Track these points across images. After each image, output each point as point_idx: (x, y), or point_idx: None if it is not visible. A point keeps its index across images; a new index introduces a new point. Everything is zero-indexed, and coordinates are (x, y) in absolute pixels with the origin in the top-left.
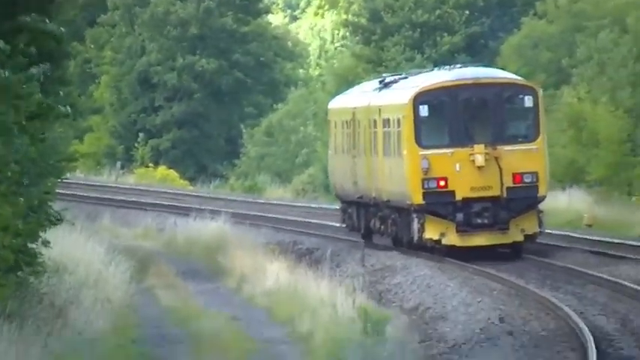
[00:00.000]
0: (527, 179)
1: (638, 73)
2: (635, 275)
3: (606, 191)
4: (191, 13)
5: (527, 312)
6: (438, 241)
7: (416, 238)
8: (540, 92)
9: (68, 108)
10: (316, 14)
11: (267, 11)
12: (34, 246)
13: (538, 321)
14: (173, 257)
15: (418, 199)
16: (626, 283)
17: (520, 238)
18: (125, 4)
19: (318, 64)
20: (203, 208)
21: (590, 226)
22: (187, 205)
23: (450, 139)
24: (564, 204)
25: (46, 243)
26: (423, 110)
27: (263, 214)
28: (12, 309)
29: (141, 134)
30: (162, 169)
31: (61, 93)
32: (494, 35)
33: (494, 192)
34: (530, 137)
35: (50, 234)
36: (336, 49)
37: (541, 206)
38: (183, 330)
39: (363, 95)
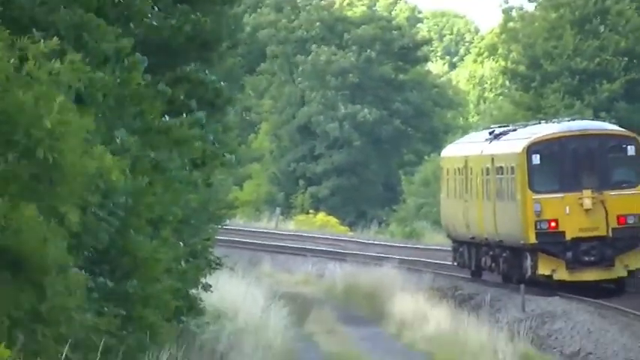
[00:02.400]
0: (631, 220)
1: None
2: None
3: None
4: (352, 62)
5: None
6: (550, 277)
7: (529, 274)
8: None
9: (233, 157)
10: (475, 62)
11: (427, 59)
12: (194, 292)
13: None
14: (333, 303)
15: (531, 238)
16: None
17: (624, 273)
18: (284, 54)
19: (477, 112)
20: (363, 253)
21: None
22: (347, 252)
23: (560, 184)
24: None
25: (207, 287)
26: (536, 159)
27: (423, 259)
28: (174, 355)
29: (301, 181)
30: (321, 216)
31: (225, 139)
32: None
33: (601, 232)
34: (632, 183)
35: (210, 280)
36: (495, 96)
37: None
38: None
39: (475, 145)
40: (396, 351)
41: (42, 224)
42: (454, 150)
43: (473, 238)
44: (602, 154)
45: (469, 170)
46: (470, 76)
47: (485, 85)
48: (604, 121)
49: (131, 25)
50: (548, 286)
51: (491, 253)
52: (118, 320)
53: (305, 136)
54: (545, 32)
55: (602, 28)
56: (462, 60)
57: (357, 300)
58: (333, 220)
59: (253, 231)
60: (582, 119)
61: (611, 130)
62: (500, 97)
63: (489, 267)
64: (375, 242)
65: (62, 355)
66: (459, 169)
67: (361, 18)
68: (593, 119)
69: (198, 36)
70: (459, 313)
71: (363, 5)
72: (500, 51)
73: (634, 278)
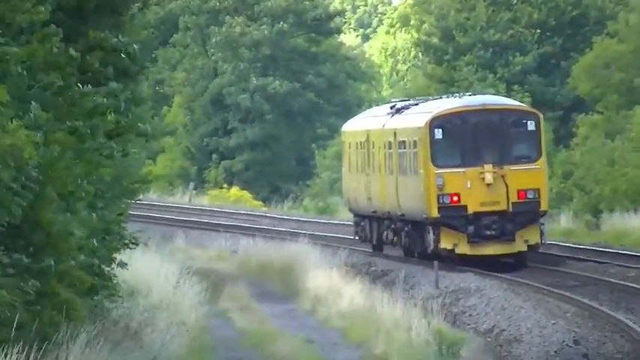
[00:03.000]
0: (530, 195)
1: None
2: None
3: None
4: (265, 34)
5: (601, 334)
6: (452, 251)
7: (431, 248)
8: (541, 117)
9: (148, 126)
10: (387, 33)
11: (340, 31)
12: (108, 269)
13: (613, 343)
14: (247, 279)
15: (434, 212)
16: None
17: (524, 248)
18: (197, 25)
19: (390, 85)
20: (277, 229)
21: None
22: (261, 227)
23: (462, 159)
24: (637, 224)
25: (122, 265)
26: (438, 133)
27: (337, 235)
28: (87, 332)
29: (214, 156)
30: (235, 191)
31: (137, 111)
32: (566, 55)
33: (502, 206)
34: (532, 158)
35: (124, 256)
36: (407, 69)
37: (543, 220)
38: (258, 352)
39: (377, 119)
40: (310, 327)
41: None
42: (356, 124)
43: (375, 212)
44: (503, 129)
45: (371, 144)
46: (382, 48)
47: (398, 57)
48: (517, 94)
49: None
50: (460, 263)
51: (393, 227)
52: (32, 296)
53: (218, 109)
54: (457, 4)
55: (514, 0)
56: (375, 32)
57: (271, 276)
58: (246, 195)
59: (167, 206)
60: (485, 94)
61: (512, 105)
62: (413, 70)
63: (391, 241)
64: (289, 217)
65: None
66: (360, 143)
67: None
68: (495, 94)
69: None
70: (373, 290)
71: None
72: (412, 22)
73: (535, 253)
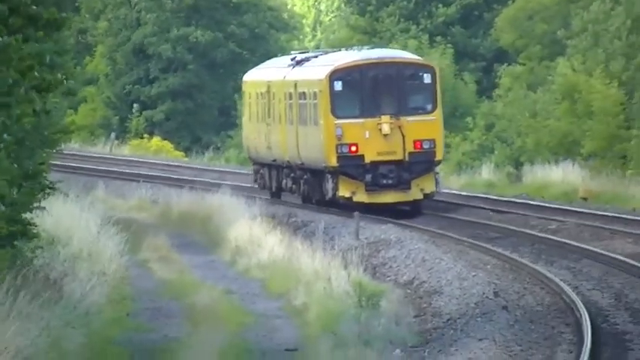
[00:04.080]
0: (426, 145)
1: (632, 44)
2: (630, 249)
3: (600, 164)
4: None
5: (521, 286)
6: (350, 199)
7: (329, 195)
8: (437, 70)
9: (72, 81)
10: None
11: None
12: (28, 216)
13: (532, 295)
14: (167, 230)
15: (333, 161)
16: (620, 257)
17: (420, 196)
18: None
19: (313, 36)
20: (197, 179)
21: (585, 199)
22: (182, 177)
23: (361, 110)
24: (559, 177)
25: (41, 209)
26: (338, 85)
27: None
28: (7, 281)
29: (135, 105)
30: (156, 141)
31: (60, 62)
32: (489, 7)
33: (398, 156)
34: (428, 110)
35: (44, 205)
36: (330, 20)
37: (438, 169)
38: (178, 303)
39: (278, 70)
40: (230, 278)
41: None
42: (257, 75)
43: (274, 160)
44: (399, 81)
45: (272, 95)
46: None
47: (321, 8)
48: (439, 46)
49: None
50: (359, 210)
51: (292, 175)
52: None
53: (140, 59)
54: None
55: None
56: None
57: (192, 227)
58: (167, 145)
59: (88, 156)
60: (383, 48)
61: (409, 58)
62: (336, 20)
63: (290, 189)
64: (210, 168)
65: None
66: (261, 94)
67: None
68: (388, 48)
69: None
70: (294, 241)
71: None
72: None
73: (431, 201)
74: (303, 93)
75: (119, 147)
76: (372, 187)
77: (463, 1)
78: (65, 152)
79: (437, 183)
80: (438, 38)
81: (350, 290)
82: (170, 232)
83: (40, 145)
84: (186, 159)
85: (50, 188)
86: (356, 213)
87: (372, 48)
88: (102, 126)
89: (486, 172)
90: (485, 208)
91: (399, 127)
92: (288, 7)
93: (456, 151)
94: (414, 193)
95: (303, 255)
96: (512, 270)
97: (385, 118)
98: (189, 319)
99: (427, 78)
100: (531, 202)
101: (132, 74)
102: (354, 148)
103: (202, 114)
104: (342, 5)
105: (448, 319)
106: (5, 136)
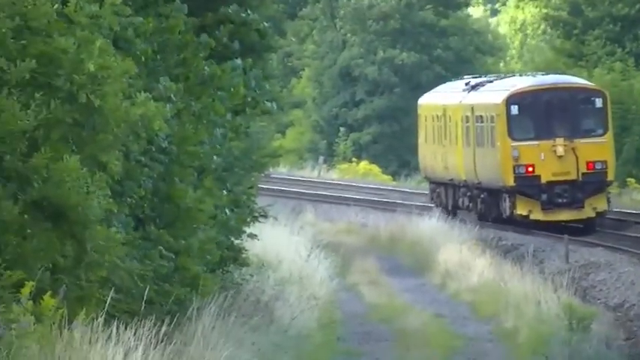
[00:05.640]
0: (598, 166)
1: None
2: None
3: None
4: (393, 6)
5: None
6: (526, 217)
7: (506, 213)
8: (607, 95)
9: (274, 104)
10: (517, 7)
11: (468, 4)
12: (239, 242)
13: None
14: (376, 253)
15: (510, 181)
16: None
17: (592, 214)
18: None
19: (519, 58)
20: (406, 203)
21: None
22: (390, 200)
23: (536, 133)
24: None
25: (252, 236)
26: (514, 109)
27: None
28: (220, 306)
29: (342, 129)
30: (364, 164)
31: (267, 86)
32: None
33: (572, 176)
34: (600, 132)
35: (254, 230)
36: (536, 43)
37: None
38: (388, 326)
39: (453, 94)
40: (440, 301)
41: (85, 176)
42: (431, 98)
43: (451, 180)
44: (572, 105)
45: (448, 118)
46: (511, 21)
47: (527, 32)
48: None
49: None
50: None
51: (469, 194)
52: (164, 269)
53: (346, 82)
54: None
55: None
56: (505, 5)
57: (400, 250)
58: (375, 168)
59: (296, 179)
60: (556, 73)
61: (582, 84)
62: (542, 44)
63: (466, 207)
64: (419, 192)
65: (107, 299)
66: (437, 116)
67: None
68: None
69: None
70: (503, 264)
71: None
72: None
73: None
74: (480, 116)
75: (327, 170)
76: (548, 205)
77: None
78: (274, 177)
79: (608, 202)
80: None
81: (560, 313)
82: (379, 255)
83: (248, 170)
84: (394, 182)
85: (261, 215)
86: (565, 236)
87: (547, 74)
88: (309, 150)
89: None
90: None
91: (573, 149)
92: (491, 27)
93: None
94: (587, 212)
95: (512, 278)
96: None
97: (559, 141)
98: (400, 342)
99: (599, 102)
100: None
101: (339, 97)
102: (530, 169)
103: (408, 137)
104: (549, 29)
105: None
106: (215, 158)
